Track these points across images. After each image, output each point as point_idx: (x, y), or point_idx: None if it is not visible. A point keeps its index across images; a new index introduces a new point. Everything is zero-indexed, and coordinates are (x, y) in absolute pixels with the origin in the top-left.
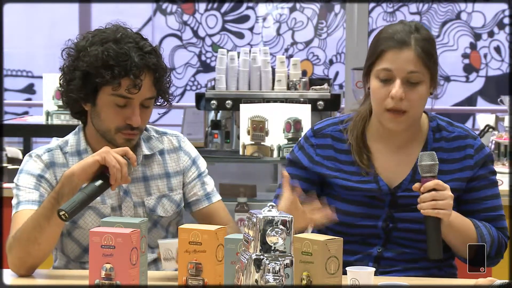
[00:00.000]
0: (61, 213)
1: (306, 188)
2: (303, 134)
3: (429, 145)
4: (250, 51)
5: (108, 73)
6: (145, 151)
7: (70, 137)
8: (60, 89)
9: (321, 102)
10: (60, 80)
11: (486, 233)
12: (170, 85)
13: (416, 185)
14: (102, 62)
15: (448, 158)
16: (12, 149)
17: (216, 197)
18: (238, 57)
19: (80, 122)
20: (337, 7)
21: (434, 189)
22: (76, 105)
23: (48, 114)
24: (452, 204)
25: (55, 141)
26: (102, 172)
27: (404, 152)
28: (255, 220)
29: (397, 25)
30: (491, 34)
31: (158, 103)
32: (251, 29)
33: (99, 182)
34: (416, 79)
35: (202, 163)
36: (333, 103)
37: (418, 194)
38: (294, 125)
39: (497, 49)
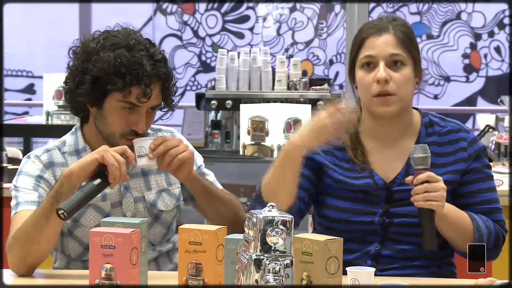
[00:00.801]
0: (60, 212)
1: (308, 174)
2: None
3: (421, 139)
4: (250, 51)
5: (120, 81)
6: None
7: (68, 137)
8: (64, 88)
9: (321, 102)
10: (66, 80)
11: (482, 225)
12: (176, 93)
13: (409, 178)
14: (115, 69)
15: (441, 152)
16: (12, 149)
17: (219, 186)
18: (238, 57)
19: (77, 121)
20: (337, 7)
21: (427, 181)
22: (81, 107)
23: (48, 114)
24: (445, 195)
25: (52, 142)
26: (101, 171)
27: (397, 147)
28: (255, 220)
29: (376, 19)
30: (491, 34)
31: (160, 107)
32: (251, 29)
33: (97, 181)
34: (399, 58)
35: (199, 157)
36: None
37: (412, 187)
38: (294, 125)
39: (497, 49)
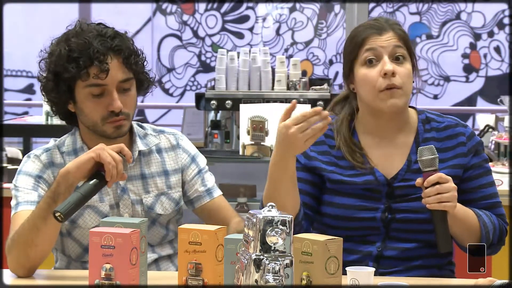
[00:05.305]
0: (57, 214)
1: (306, 177)
2: None
3: (420, 135)
4: (250, 51)
5: (73, 66)
6: (141, 146)
7: (67, 137)
8: (45, 99)
9: (321, 102)
10: (40, 89)
11: (488, 221)
12: (146, 64)
13: (419, 180)
14: (67, 57)
15: (441, 147)
16: (12, 149)
17: (217, 192)
18: (238, 57)
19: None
20: (337, 7)
21: (437, 183)
22: (62, 109)
23: (48, 114)
24: (457, 195)
25: (52, 141)
26: (98, 170)
27: (396, 144)
28: (255, 220)
29: (371, 21)
30: (491, 34)
31: (142, 88)
32: (251, 29)
33: (94, 181)
34: (401, 53)
35: (202, 160)
36: None
37: (414, 183)
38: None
39: (497, 49)
